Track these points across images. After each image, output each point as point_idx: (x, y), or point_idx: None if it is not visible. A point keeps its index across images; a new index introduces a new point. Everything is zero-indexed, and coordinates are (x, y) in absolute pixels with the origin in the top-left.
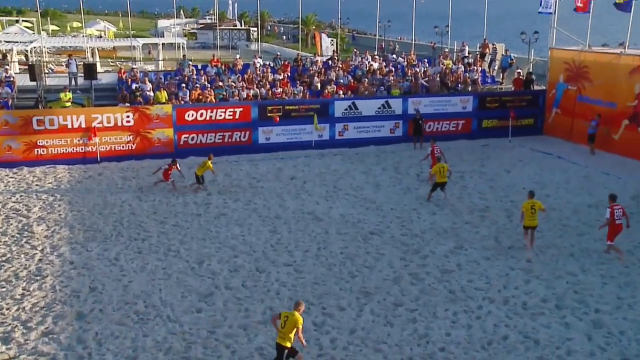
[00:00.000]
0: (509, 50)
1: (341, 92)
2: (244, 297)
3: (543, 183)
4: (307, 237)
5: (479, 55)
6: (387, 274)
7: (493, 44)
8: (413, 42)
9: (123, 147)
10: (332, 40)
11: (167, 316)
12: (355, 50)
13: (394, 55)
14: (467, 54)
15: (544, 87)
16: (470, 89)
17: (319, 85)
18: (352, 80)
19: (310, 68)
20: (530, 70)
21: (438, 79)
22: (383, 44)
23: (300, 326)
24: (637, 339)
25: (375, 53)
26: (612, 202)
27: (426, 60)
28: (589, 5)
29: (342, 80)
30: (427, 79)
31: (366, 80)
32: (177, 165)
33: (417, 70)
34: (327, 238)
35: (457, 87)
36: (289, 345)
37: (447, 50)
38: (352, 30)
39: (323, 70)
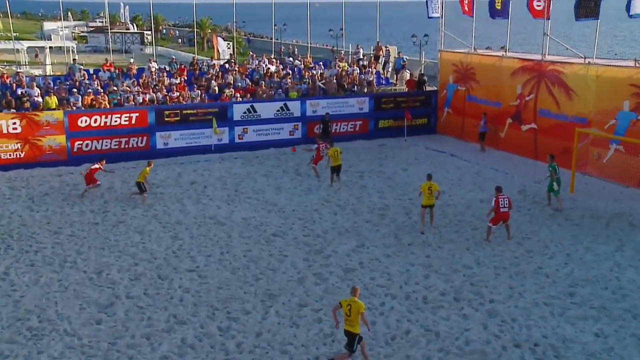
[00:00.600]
0: (401, 52)
1: (239, 96)
2: (146, 306)
3: (438, 180)
4: (210, 242)
5: (373, 58)
6: (291, 275)
7: (386, 47)
8: (309, 45)
9: (10, 155)
10: (229, 44)
11: (64, 330)
12: (251, 53)
13: (291, 58)
14: (361, 57)
15: (436, 88)
16: (366, 90)
17: (216, 88)
18: (250, 84)
19: (208, 72)
20: (422, 72)
21: (335, 81)
22: (282, 47)
23: (364, 311)
24: (527, 325)
25: (273, 56)
26: (497, 193)
27: (321, 62)
28: (473, 10)
29: (240, 84)
30: (324, 81)
31: (264, 83)
32: (104, 164)
33: (314, 72)
34: (230, 242)
35: (353, 89)
36: (358, 331)
37: (342, 52)
38: (249, 34)
39: (220, 73)
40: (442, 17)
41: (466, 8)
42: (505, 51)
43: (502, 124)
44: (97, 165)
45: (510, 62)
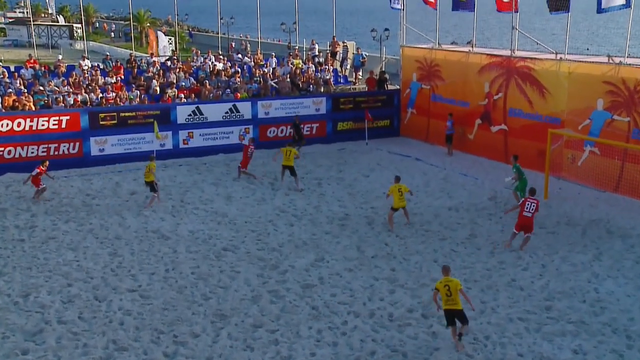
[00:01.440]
0: (360, 48)
1: (183, 96)
2: (81, 331)
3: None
4: (153, 258)
5: (329, 54)
6: (244, 293)
7: (344, 42)
8: (259, 40)
9: None
10: (170, 39)
11: None
12: (195, 49)
13: (240, 55)
14: (317, 53)
15: (398, 87)
16: (322, 89)
17: (157, 88)
18: (194, 83)
19: (147, 70)
20: (383, 69)
21: (288, 79)
22: (233, 43)
23: (461, 287)
24: (502, 343)
25: (219, 52)
26: (530, 195)
27: (274, 57)
28: (436, 2)
29: (183, 83)
30: (276, 80)
31: (210, 82)
32: (46, 165)
33: (266, 70)
34: (175, 258)
35: (308, 88)
36: (461, 307)
37: (296, 48)
38: (192, 28)
39: (161, 72)
40: (403, 9)
41: None
42: (472, 46)
43: (470, 125)
44: (37, 170)
45: (478, 58)
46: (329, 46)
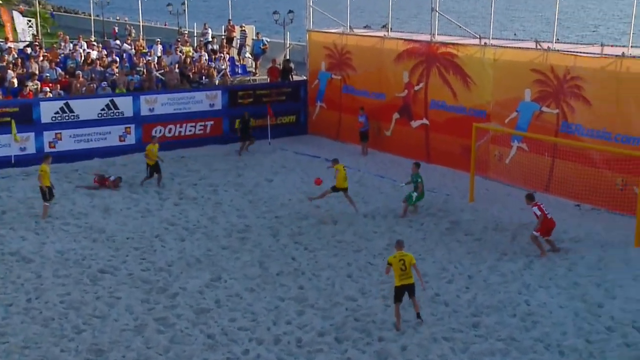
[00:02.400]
0: (260, 33)
1: (48, 90)
2: None
3: (313, 192)
4: (11, 286)
5: (225, 40)
6: (126, 323)
7: (241, 26)
8: (141, 23)
9: None
10: (30, 21)
11: None
12: (61, 34)
13: (118, 42)
14: (210, 39)
15: (305, 77)
16: (217, 81)
17: (15, 81)
18: (62, 74)
19: (2, 58)
20: (288, 57)
21: (177, 70)
22: (116, 27)
23: (415, 262)
24: None
25: (93, 38)
26: (532, 201)
27: (160, 44)
28: None
29: (48, 75)
30: (162, 70)
31: (82, 73)
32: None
33: (150, 59)
34: (40, 284)
35: (201, 80)
36: (413, 281)
37: (186, 34)
38: (56, 8)
39: (20, 60)
40: None
41: None
42: (388, 31)
43: (387, 120)
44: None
45: (394, 43)
46: (224, 31)
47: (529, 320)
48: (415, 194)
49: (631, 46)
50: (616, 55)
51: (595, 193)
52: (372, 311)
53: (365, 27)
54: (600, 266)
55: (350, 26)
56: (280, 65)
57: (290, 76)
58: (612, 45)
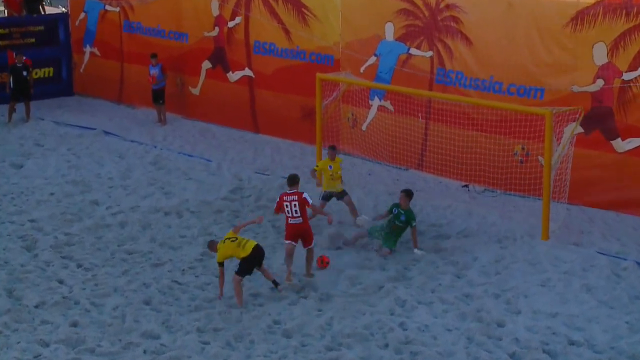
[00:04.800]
0: None
1: None
2: None
3: (83, 182)
4: None
5: None
6: None
7: None
8: None
9: None
10: None
11: None
12: None
13: None
14: None
15: (64, 9)
16: None
17: None
18: None
19: None
20: None
21: None
22: None
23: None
24: None
25: None
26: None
27: None
28: None
29: None
30: None
31: None
32: None
33: None
34: None
35: None
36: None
37: None
38: None
39: None
40: None
41: None
42: None
43: (193, 72)
44: None
45: None
46: None
47: (406, 351)
48: (382, 231)
49: None
50: None
51: (488, 168)
52: (184, 353)
53: None
54: (498, 269)
55: None
56: None
57: (40, 7)
58: None
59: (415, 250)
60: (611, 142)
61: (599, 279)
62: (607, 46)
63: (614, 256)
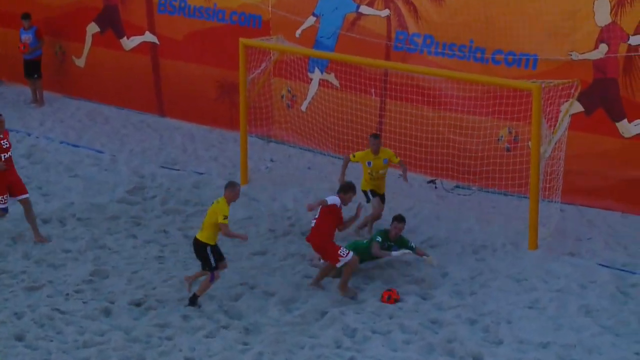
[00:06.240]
0: None
1: None
2: None
3: None
4: None
5: None
6: None
7: None
8: None
9: None
10: None
11: None
12: None
13: None
14: None
15: None
16: None
17: None
18: None
19: None
20: None
21: None
22: None
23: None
24: None
25: None
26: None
27: None
28: None
29: None
30: None
31: None
32: None
33: None
34: None
35: None
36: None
37: None
38: None
39: None
40: None
41: None
42: None
43: (76, 37)
44: None
45: None
46: None
47: None
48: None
49: None
50: None
51: (462, 159)
52: None
53: None
54: (474, 288)
55: None
56: None
57: None
58: None
59: (425, 258)
60: (616, 124)
61: (602, 299)
62: (610, 2)
63: (619, 269)
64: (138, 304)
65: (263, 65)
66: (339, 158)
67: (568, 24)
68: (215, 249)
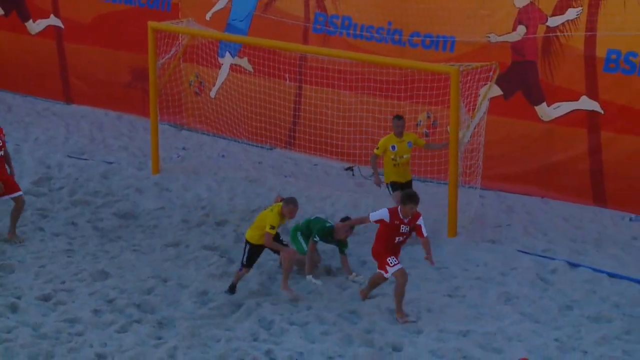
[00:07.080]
0: None
1: None
2: None
3: None
4: None
5: None
6: None
7: None
8: None
9: None
10: None
11: None
12: None
13: None
14: None
15: None
16: None
17: None
18: None
19: None
20: None
21: None
22: None
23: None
24: None
25: None
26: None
27: None
28: None
29: None
30: None
31: None
32: None
33: None
34: None
35: None
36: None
37: None
38: None
39: None
40: None
41: None
42: None
43: None
44: None
45: None
46: None
47: None
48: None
49: None
50: None
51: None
52: None
53: None
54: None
55: None
56: None
57: None
58: None
59: (350, 277)
60: (535, 107)
61: (522, 286)
62: None
63: (539, 255)
64: (46, 299)
65: (173, 49)
66: (253, 145)
67: (486, 4)
68: (254, 250)
